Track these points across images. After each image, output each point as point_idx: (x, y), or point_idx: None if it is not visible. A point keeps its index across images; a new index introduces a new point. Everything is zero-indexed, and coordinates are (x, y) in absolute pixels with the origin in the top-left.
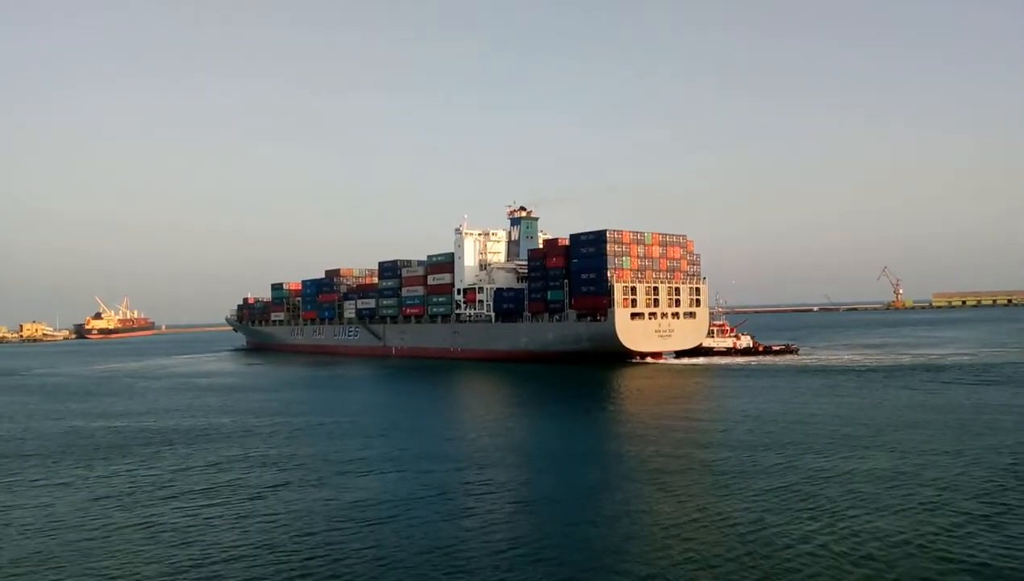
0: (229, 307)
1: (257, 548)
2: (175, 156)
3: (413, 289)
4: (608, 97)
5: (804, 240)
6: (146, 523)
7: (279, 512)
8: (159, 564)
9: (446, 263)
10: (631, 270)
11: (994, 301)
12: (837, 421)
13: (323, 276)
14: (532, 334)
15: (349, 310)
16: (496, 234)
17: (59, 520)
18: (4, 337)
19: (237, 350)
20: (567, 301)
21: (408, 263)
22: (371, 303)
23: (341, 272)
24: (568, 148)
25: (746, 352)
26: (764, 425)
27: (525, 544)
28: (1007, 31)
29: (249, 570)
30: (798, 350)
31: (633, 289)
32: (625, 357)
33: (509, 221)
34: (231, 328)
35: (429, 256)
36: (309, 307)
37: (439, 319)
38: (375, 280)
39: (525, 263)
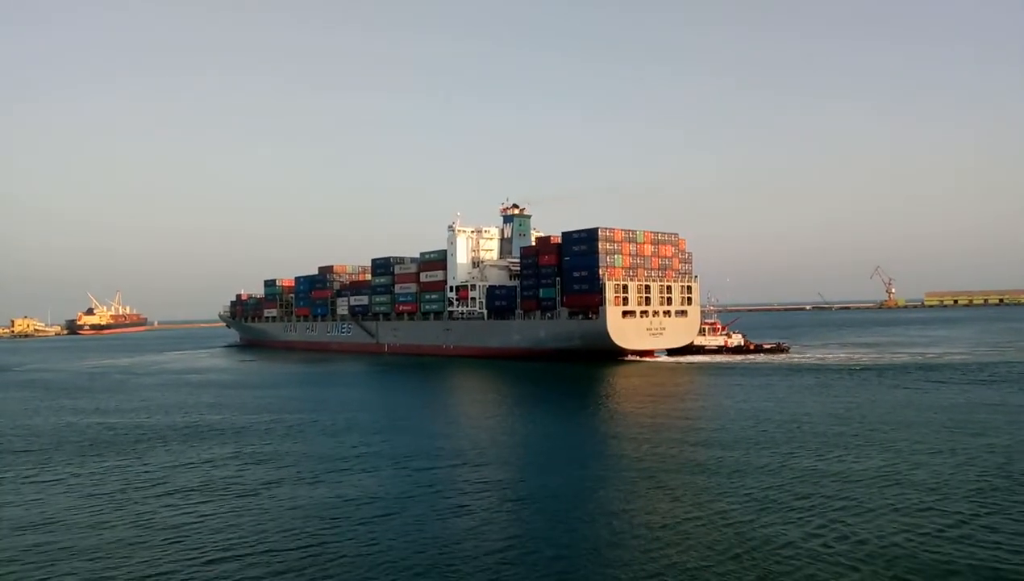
0: (222, 303)
1: (250, 546)
2: (174, 155)
3: (406, 286)
4: (608, 96)
5: (798, 239)
6: (138, 520)
7: (272, 509)
8: (151, 562)
9: (439, 260)
10: (623, 268)
11: (985, 300)
12: (830, 420)
13: (316, 273)
14: (524, 332)
15: (342, 307)
16: (489, 232)
17: (50, 517)
18: None
19: (230, 346)
20: (559, 299)
21: (401, 260)
22: (364, 300)
23: (334, 269)
24: (568, 147)
25: (737, 351)
26: (757, 423)
27: (517, 542)
28: (1007, 31)
29: (243, 569)
30: (789, 349)
31: (625, 287)
32: (617, 355)
33: (502, 218)
34: (224, 324)
35: (422, 253)
36: (302, 303)
37: (432, 316)
38: (368, 277)
39: (518, 261)
